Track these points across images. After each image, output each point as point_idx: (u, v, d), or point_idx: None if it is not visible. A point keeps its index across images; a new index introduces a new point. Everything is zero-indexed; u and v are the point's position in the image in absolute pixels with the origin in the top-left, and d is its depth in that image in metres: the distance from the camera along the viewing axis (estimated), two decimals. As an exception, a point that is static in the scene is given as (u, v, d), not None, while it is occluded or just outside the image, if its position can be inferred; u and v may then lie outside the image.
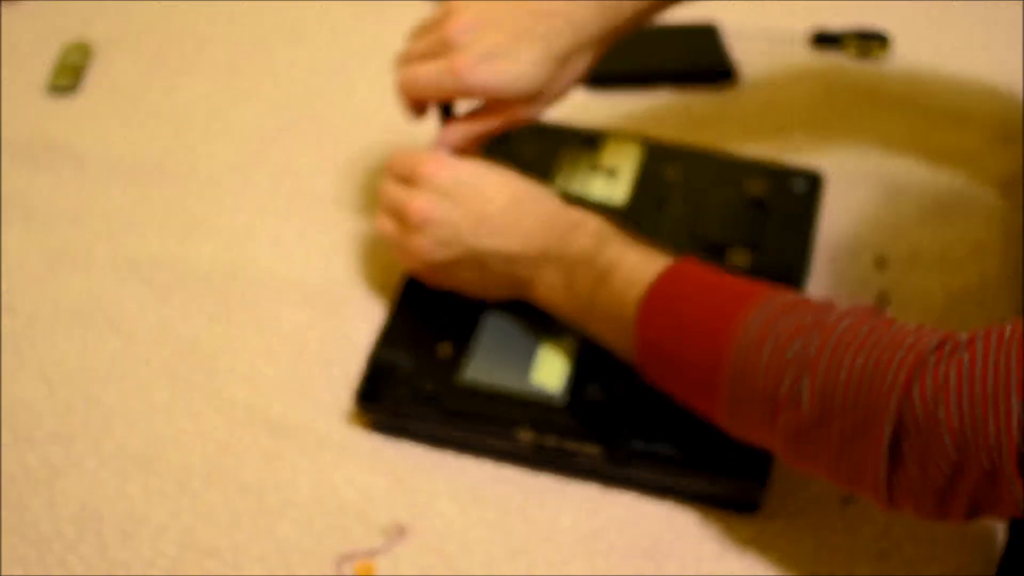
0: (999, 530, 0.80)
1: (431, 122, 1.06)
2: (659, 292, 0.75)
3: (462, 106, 0.89)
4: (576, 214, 0.82)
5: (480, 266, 0.83)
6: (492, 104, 0.86)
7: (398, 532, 0.78)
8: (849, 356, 0.67)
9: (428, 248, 0.83)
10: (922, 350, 0.66)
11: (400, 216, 0.85)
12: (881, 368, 0.66)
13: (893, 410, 0.65)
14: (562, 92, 0.87)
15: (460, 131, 0.88)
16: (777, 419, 0.70)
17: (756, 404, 0.70)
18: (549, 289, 0.81)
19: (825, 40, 1.16)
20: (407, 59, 0.87)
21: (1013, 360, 0.63)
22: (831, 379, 0.67)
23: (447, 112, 0.89)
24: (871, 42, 1.15)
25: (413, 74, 0.86)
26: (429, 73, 0.85)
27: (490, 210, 0.82)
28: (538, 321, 0.85)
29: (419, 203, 0.83)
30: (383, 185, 0.87)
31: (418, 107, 0.89)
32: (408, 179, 0.85)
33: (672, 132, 1.06)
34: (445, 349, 0.84)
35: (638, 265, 0.77)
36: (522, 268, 0.82)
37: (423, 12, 1.18)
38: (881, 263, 0.96)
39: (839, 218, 0.99)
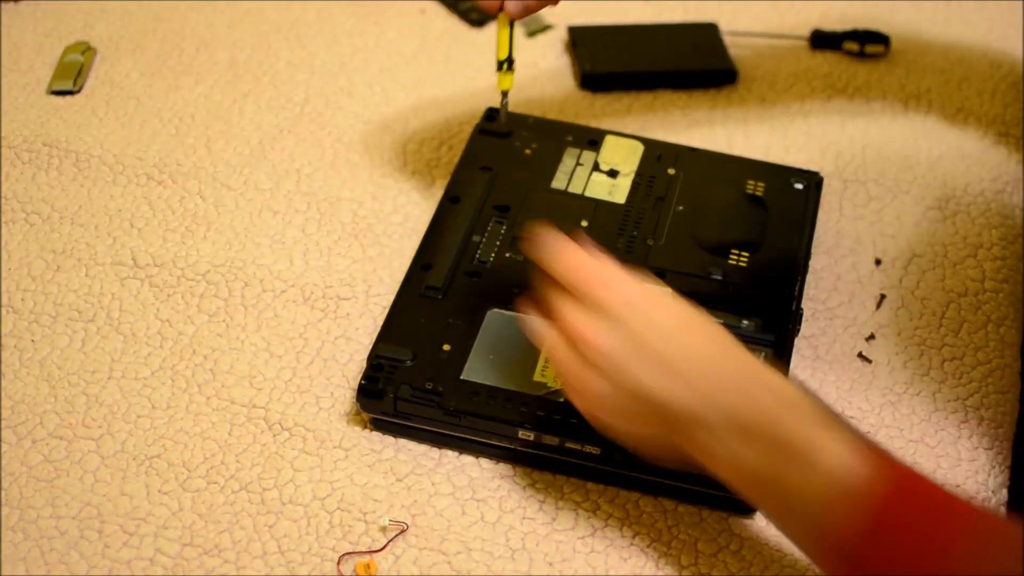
0: (998, 529, 0.81)
1: (429, 124, 1.07)
2: (885, 518, 0.64)
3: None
4: (766, 373, 0.71)
5: (646, 410, 0.72)
6: None
7: (398, 531, 0.78)
8: None
9: (596, 382, 0.73)
10: None
11: (568, 336, 0.74)
12: None
13: None
14: None
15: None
16: None
17: None
18: (724, 451, 0.69)
19: (825, 40, 1.16)
20: None
21: None
22: None
23: None
24: (871, 42, 1.15)
25: None
26: None
27: (669, 350, 0.71)
28: (539, 321, 0.85)
29: (593, 331, 0.72)
30: (549, 290, 0.76)
31: None
32: (579, 292, 0.75)
33: (672, 132, 1.06)
34: (446, 347, 0.84)
35: (841, 460, 0.66)
36: (692, 424, 0.71)
37: (423, 12, 1.18)
38: (881, 263, 0.96)
39: (839, 218, 0.99)
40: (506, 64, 0.92)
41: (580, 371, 0.73)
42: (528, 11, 0.89)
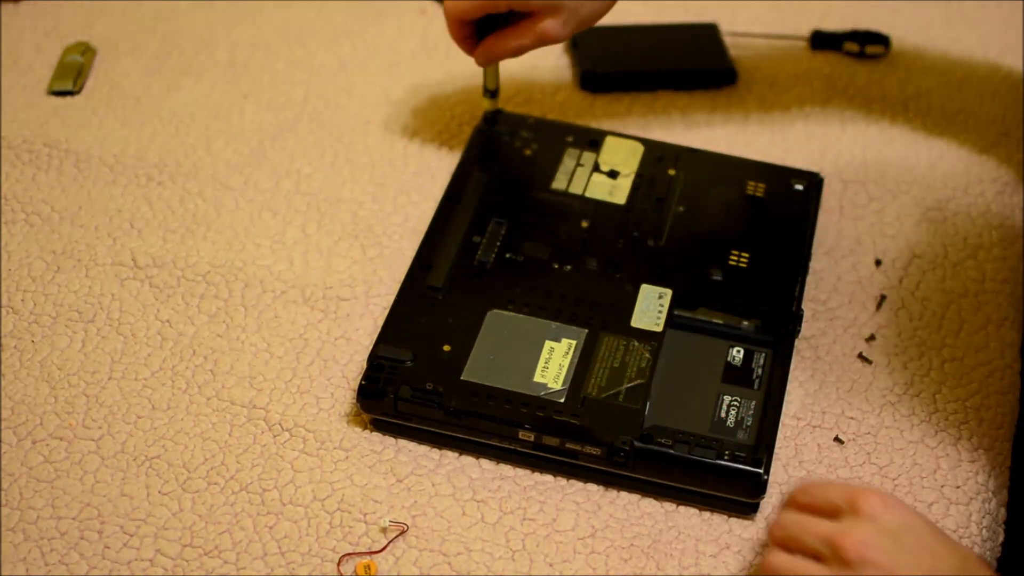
0: (999, 530, 0.81)
1: (429, 124, 1.07)
2: None
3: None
4: None
5: None
6: (521, 22, 0.91)
7: (398, 532, 0.78)
8: None
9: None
10: None
11: (826, 550, 0.70)
12: None
13: None
14: (590, 15, 0.92)
15: (494, 45, 0.93)
16: None
17: None
18: None
19: (825, 40, 1.16)
20: None
21: None
22: None
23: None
24: (871, 43, 1.15)
25: None
26: None
27: (939, 569, 0.69)
28: (540, 321, 0.85)
29: (860, 537, 0.69)
30: (783, 516, 0.73)
31: (468, 34, 0.94)
32: (834, 511, 0.72)
33: (673, 132, 1.06)
34: (446, 347, 0.84)
35: None
36: None
37: (423, 12, 1.18)
38: (881, 264, 0.96)
39: (839, 218, 0.99)
40: (489, 94, 0.99)
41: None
42: (494, 61, 0.96)
